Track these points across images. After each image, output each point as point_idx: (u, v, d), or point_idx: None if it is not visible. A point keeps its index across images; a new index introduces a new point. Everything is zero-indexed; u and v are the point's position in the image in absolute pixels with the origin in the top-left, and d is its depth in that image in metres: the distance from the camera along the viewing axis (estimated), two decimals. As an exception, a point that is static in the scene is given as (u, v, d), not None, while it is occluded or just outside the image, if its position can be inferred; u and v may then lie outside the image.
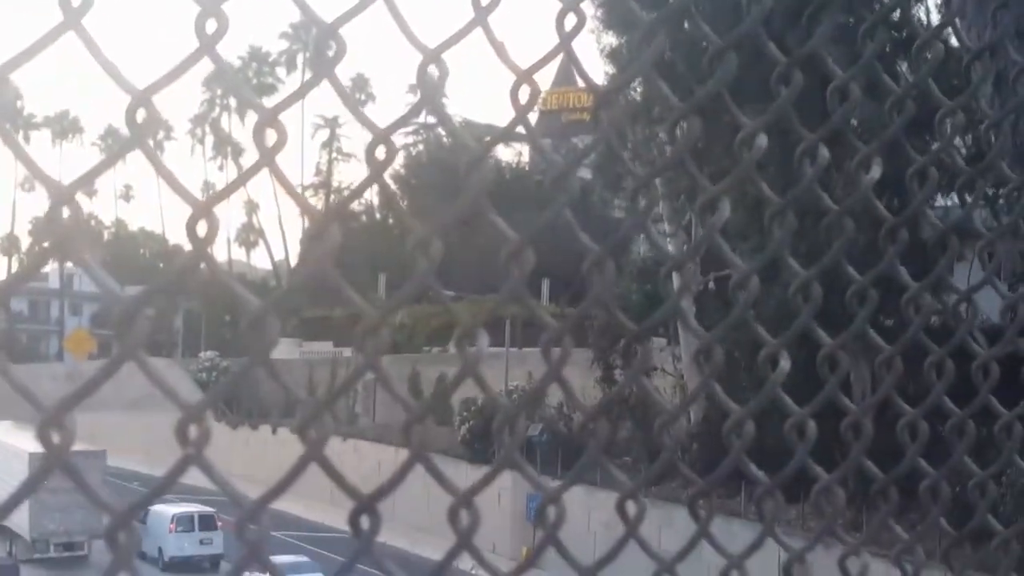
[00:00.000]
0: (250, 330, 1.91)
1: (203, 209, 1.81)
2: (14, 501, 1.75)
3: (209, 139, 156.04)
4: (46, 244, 1.67)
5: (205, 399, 1.85)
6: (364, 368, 2.07)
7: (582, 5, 2.31)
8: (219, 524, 63.50)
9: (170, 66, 1.85)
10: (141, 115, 1.75)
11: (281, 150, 1.89)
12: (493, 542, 54.67)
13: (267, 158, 1.89)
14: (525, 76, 2.24)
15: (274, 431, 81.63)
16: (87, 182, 1.77)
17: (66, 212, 1.70)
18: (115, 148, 1.76)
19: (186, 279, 1.90)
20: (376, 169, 2.05)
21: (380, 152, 2.04)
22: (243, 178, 2.00)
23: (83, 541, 62.57)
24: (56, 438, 1.70)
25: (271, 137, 1.90)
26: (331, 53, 1.98)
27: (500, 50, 2.25)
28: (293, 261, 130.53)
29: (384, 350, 2.05)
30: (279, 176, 1.93)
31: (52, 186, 1.67)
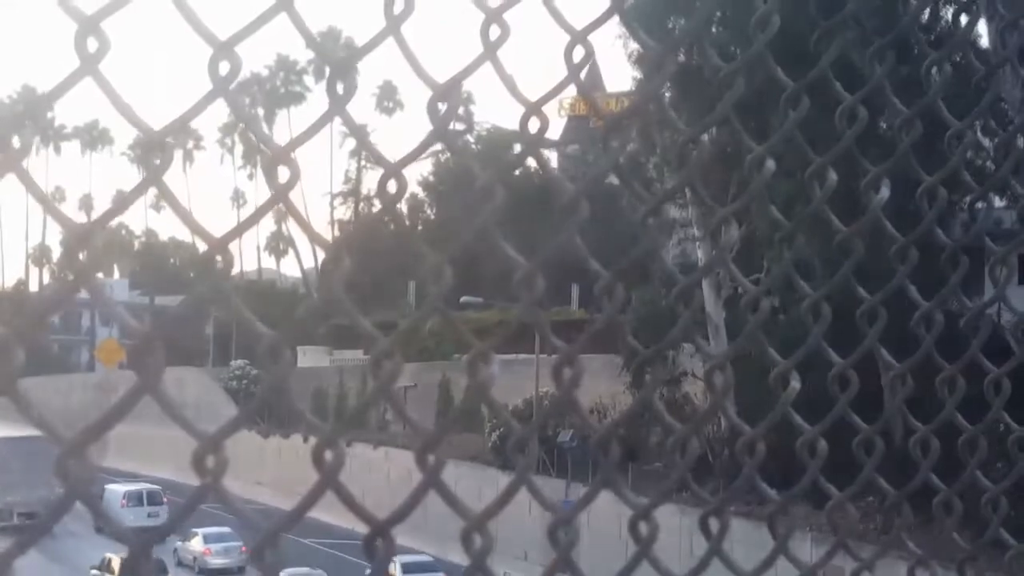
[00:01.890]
0: (265, 358, 1.96)
1: (217, 246, 1.87)
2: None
3: (239, 148, 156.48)
4: (70, 277, 1.72)
5: (221, 430, 1.90)
6: (376, 395, 2.12)
7: (590, 37, 2.36)
8: (164, 500, 71.35)
9: (186, 104, 1.90)
10: (157, 157, 1.81)
11: (294, 187, 1.95)
12: (525, 550, 54.66)
13: (280, 195, 1.94)
14: (534, 108, 2.29)
15: (305, 440, 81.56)
16: (102, 225, 1.82)
17: (83, 254, 1.75)
18: (135, 186, 1.82)
19: (204, 309, 1.95)
20: (388, 202, 2.11)
21: (392, 186, 2.09)
22: (256, 216, 2.06)
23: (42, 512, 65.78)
24: (78, 470, 1.76)
25: (284, 174, 1.96)
26: (341, 91, 2.03)
27: (510, 84, 2.30)
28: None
29: (397, 376, 2.10)
30: (292, 212, 1.98)
31: (70, 225, 1.73)
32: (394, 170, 2.08)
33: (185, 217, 1.87)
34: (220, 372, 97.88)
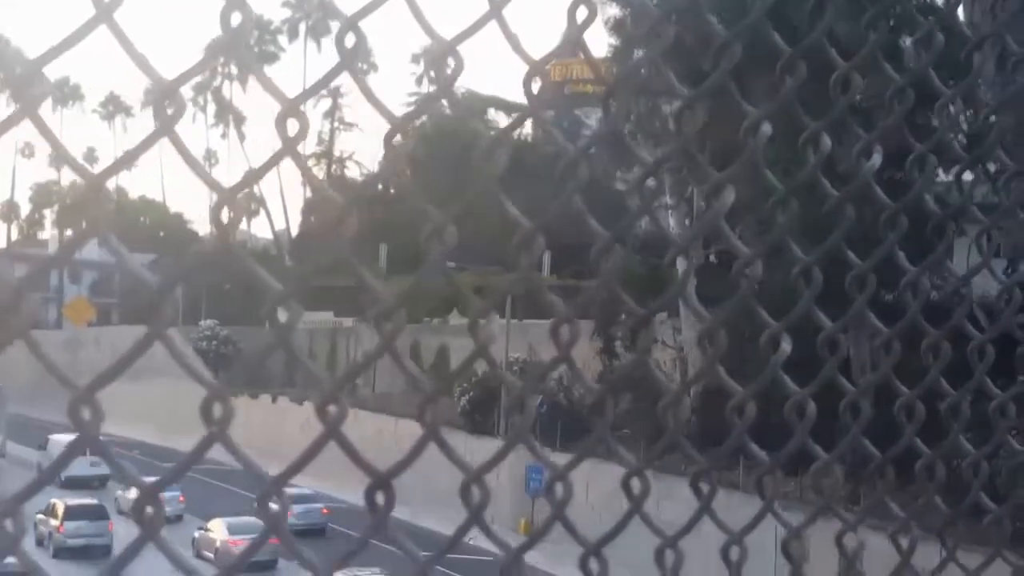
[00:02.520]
0: (269, 313, 1.99)
1: (228, 196, 1.89)
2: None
3: (211, 107, 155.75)
4: (84, 225, 1.74)
5: (227, 378, 1.93)
6: (381, 351, 2.14)
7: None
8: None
9: (195, 56, 1.91)
10: (170, 108, 1.82)
11: (303, 139, 1.97)
12: (491, 514, 54.57)
13: (289, 147, 1.96)
14: (538, 67, 2.31)
15: (274, 400, 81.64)
16: (116, 171, 1.84)
17: (96, 198, 1.76)
18: (147, 136, 1.83)
19: (210, 262, 1.97)
20: (394, 155, 2.13)
21: (398, 139, 2.11)
22: (266, 167, 2.07)
23: None
24: (87, 415, 1.78)
25: (293, 127, 1.98)
26: (350, 44, 2.05)
27: (514, 42, 2.32)
28: (294, 231, 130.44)
29: (399, 333, 2.13)
30: (300, 165, 2.00)
31: (85, 174, 1.74)
32: (401, 125, 2.10)
33: (196, 167, 1.89)
34: (190, 331, 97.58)
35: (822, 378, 2.93)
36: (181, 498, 62.24)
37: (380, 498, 2.14)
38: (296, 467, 2.05)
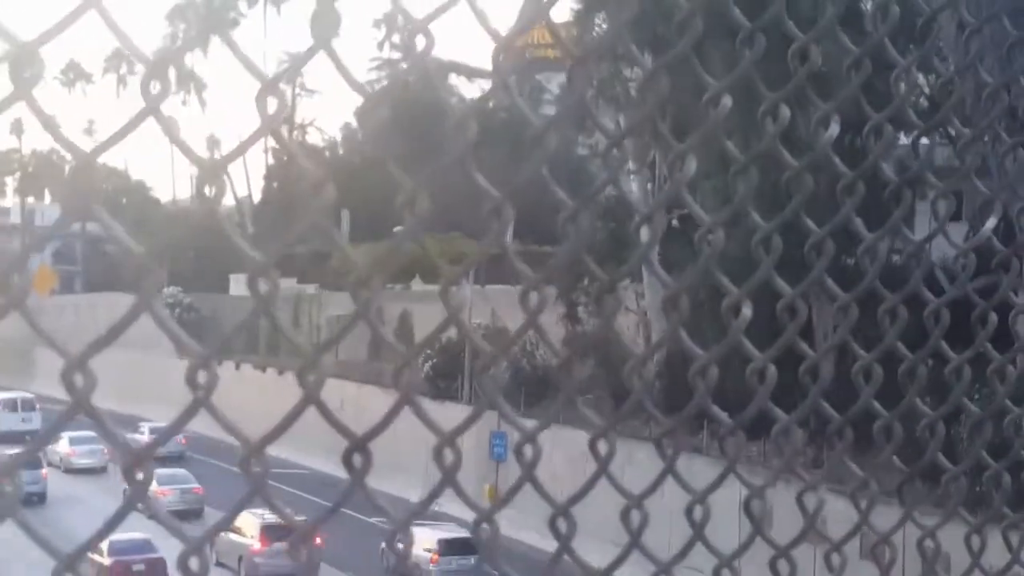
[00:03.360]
0: (252, 283, 2.06)
1: (212, 172, 1.96)
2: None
3: (171, 74, 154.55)
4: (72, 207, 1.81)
5: (214, 345, 2.00)
6: (358, 318, 2.22)
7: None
8: (37, 407, 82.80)
9: (187, 37, 1.98)
10: (156, 87, 1.89)
11: (283, 115, 2.04)
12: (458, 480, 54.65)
13: (268, 125, 2.03)
14: (506, 43, 2.38)
15: (237, 367, 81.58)
16: (108, 147, 1.91)
17: (86, 175, 1.83)
18: (135, 115, 1.90)
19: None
20: (368, 129, 2.20)
21: (376, 113, 2.18)
22: (247, 144, 2.14)
23: None
24: (80, 382, 1.85)
25: (272, 104, 2.05)
26: (328, 23, 2.12)
27: (482, 18, 2.38)
28: (256, 198, 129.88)
29: (377, 301, 2.20)
30: (281, 142, 2.07)
31: (76, 151, 1.81)
32: (377, 99, 2.17)
33: (180, 144, 1.96)
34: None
35: (782, 343, 3.01)
36: (105, 451, 67.43)
37: (358, 460, 2.22)
38: (279, 430, 2.13)
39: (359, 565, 51.88)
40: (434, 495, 2.40)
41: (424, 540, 50.62)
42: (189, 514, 58.47)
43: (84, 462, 72.52)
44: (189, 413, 2.00)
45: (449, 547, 51.72)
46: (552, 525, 2.61)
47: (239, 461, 2.10)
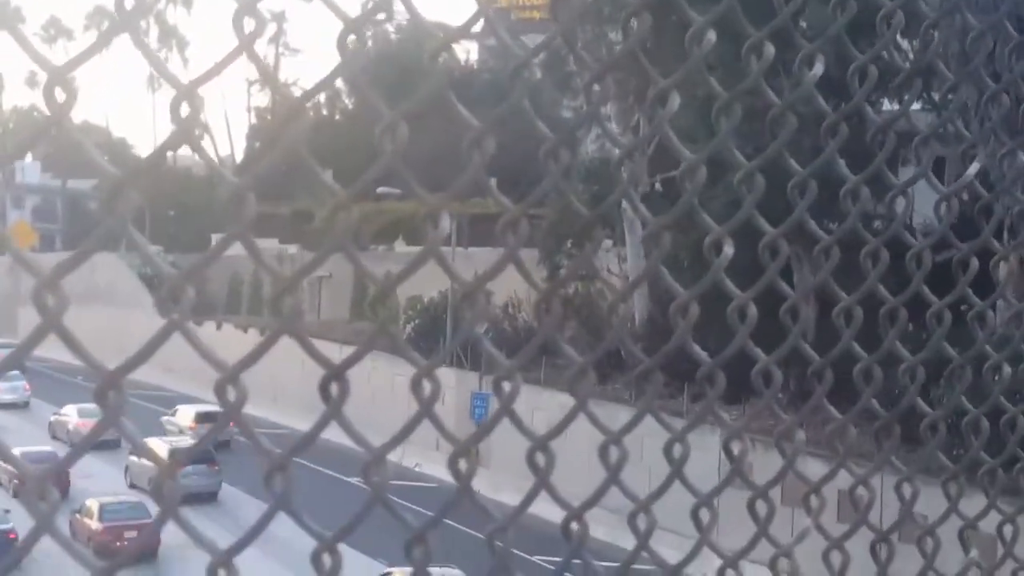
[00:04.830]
0: (230, 206, 2.04)
1: (186, 91, 1.94)
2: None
3: (154, 31, 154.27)
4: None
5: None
6: (333, 248, 2.20)
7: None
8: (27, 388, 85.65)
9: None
10: (185, 109, 1.86)
11: (259, 37, 2.02)
12: (437, 439, 54.88)
13: (245, 44, 2.01)
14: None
15: (219, 327, 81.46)
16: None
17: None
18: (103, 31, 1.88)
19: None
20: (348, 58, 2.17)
21: (351, 41, 2.16)
22: (224, 63, 2.11)
23: None
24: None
25: (249, 24, 2.02)
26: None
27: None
28: (239, 157, 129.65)
29: (353, 229, 2.18)
30: (256, 61, 2.05)
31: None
32: (354, 25, 2.15)
33: (155, 61, 1.94)
34: (133, 259, 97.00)
35: (763, 282, 3.00)
36: (26, 387, 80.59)
37: (334, 389, 2.21)
38: (254, 357, 2.12)
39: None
40: (411, 425, 2.39)
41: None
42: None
43: (8, 397, 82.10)
44: (163, 335, 1.99)
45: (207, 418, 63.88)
46: (530, 459, 2.60)
47: (214, 389, 2.09)
